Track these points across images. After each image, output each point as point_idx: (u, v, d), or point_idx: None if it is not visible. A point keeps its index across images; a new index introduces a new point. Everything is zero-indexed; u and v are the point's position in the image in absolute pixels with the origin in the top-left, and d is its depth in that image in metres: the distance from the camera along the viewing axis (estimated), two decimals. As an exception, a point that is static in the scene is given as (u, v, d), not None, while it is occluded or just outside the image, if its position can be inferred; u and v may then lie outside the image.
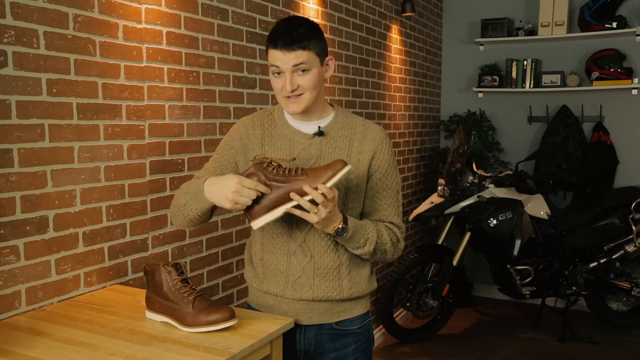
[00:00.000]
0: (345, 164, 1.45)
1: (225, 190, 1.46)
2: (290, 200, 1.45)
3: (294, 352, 1.72)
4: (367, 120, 1.70)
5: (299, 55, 1.51)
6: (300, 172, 1.46)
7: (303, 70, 1.53)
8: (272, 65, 1.54)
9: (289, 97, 1.56)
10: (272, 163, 1.47)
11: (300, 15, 2.94)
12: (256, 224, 1.49)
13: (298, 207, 1.46)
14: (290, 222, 1.62)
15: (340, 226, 1.51)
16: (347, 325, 1.72)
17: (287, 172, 1.46)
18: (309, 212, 1.45)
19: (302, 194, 1.43)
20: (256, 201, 1.47)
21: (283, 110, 1.68)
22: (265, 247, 1.67)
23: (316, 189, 1.42)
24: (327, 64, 1.61)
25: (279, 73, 1.54)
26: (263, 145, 1.65)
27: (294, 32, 1.51)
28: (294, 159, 1.55)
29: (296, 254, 1.64)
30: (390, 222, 1.67)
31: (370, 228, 1.60)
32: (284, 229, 1.64)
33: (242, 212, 1.53)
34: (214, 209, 1.60)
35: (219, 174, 1.66)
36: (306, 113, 1.62)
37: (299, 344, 1.71)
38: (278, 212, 1.47)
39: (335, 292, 1.66)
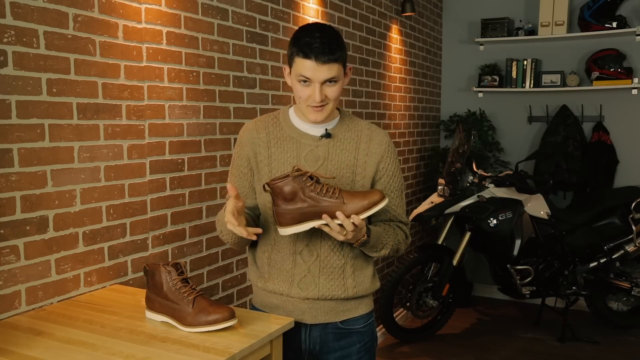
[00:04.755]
0: (383, 197, 1.48)
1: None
2: (321, 218, 1.47)
3: (299, 352, 1.73)
4: (371, 123, 1.74)
5: (331, 68, 1.53)
6: (337, 194, 1.47)
7: (331, 82, 1.55)
8: (301, 76, 1.54)
9: (314, 106, 1.57)
10: (312, 177, 1.48)
11: (300, 15, 2.94)
12: (284, 231, 1.51)
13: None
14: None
15: (363, 239, 1.55)
16: (351, 324, 1.73)
17: (324, 190, 1.48)
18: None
19: (334, 216, 1.46)
20: (287, 210, 1.48)
21: (288, 113, 1.71)
22: (274, 246, 1.68)
23: (349, 216, 1.45)
24: (346, 73, 1.63)
25: (305, 81, 1.55)
26: (269, 148, 1.67)
27: (327, 47, 1.51)
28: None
29: (302, 254, 1.65)
30: (399, 222, 1.73)
31: (388, 234, 1.65)
32: None
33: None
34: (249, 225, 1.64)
35: (241, 189, 1.71)
36: None
37: (304, 343, 1.72)
38: (307, 226, 1.49)
39: (340, 291, 1.67)
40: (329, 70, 1.53)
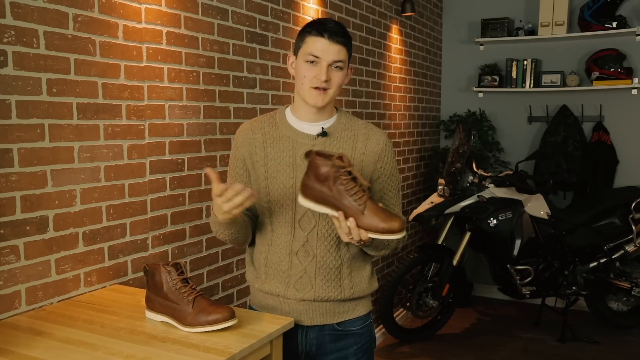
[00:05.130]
0: (401, 230, 1.45)
1: (218, 206, 1.49)
2: (338, 210, 1.47)
3: (295, 353, 1.72)
4: (368, 123, 1.74)
5: (340, 51, 1.57)
6: (362, 201, 1.46)
7: (336, 67, 1.57)
8: (310, 54, 1.56)
9: (317, 87, 1.57)
10: (351, 173, 1.47)
11: (300, 15, 2.94)
12: (303, 202, 1.51)
13: None
14: (294, 222, 1.63)
15: (367, 242, 1.54)
16: (348, 326, 1.72)
17: (353, 191, 1.46)
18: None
19: (348, 217, 1.46)
20: (313, 187, 1.48)
21: (285, 112, 1.70)
22: (271, 247, 1.68)
23: (360, 226, 1.45)
24: (347, 73, 1.64)
25: (313, 62, 1.56)
26: (265, 148, 1.66)
27: (340, 29, 1.57)
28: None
29: (298, 254, 1.65)
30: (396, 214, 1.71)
31: None
32: (287, 229, 1.64)
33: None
34: (244, 223, 1.65)
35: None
36: (317, 112, 1.64)
37: (300, 345, 1.72)
38: (322, 210, 1.50)
39: (336, 292, 1.66)
40: (338, 52, 1.56)
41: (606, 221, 4.01)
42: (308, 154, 1.51)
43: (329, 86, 1.58)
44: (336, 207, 1.47)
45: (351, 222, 1.45)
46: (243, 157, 1.70)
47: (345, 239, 1.50)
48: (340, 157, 1.47)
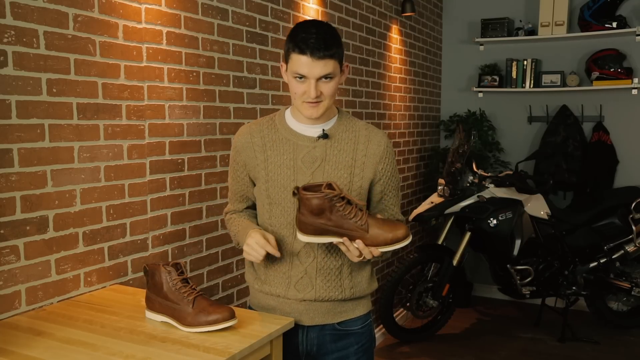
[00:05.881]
0: (407, 235, 1.47)
1: (245, 243, 1.59)
2: (342, 236, 1.49)
3: (296, 354, 1.73)
4: (369, 124, 1.73)
5: (327, 64, 1.52)
6: (363, 221, 1.47)
7: (326, 78, 1.54)
8: (296, 73, 1.54)
9: (309, 102, 1.56)
10: (343, 198, 1.48)
11: (300, 15, 2.94)
12: (303, 238, 1.52)
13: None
14: (294, 223, 1.63)
15: None
16: (349, 326, 1.73)
17: (352, 214, 1.47)
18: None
19: (354, 239, 1.48)
20: (310, 222, 1.48)
21: (284, 115, 1.70)
22: None
23: (369, 244, 1.47)
24: (342, 70, 1.62)
25: (301, 77, 1.54)
26: (265, 152, 1.66)
27: (322, 43, 1.51)
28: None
29: (299, 255, 1.65)
30: (396, 220, 1.73)
31: None
32: (288, 231, 1.64)
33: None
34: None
35: (243, 192, 1.74)
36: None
37: (301, 345, 1.72)
38: (326, 240, 1.51)
39: (337, 292, 1.67)
40: (324, 66, 1.52)
41: (606, 221, 4.01)
42: (295, 192, 1.51)
43: (321, 98, 1.56)
44: (339, 234, 1.48)
45: (359, 243, 1.47)
46: (244, 162, 1.70)
47: (356, 260, 1.51)
48: (329, 185, 1.47)
